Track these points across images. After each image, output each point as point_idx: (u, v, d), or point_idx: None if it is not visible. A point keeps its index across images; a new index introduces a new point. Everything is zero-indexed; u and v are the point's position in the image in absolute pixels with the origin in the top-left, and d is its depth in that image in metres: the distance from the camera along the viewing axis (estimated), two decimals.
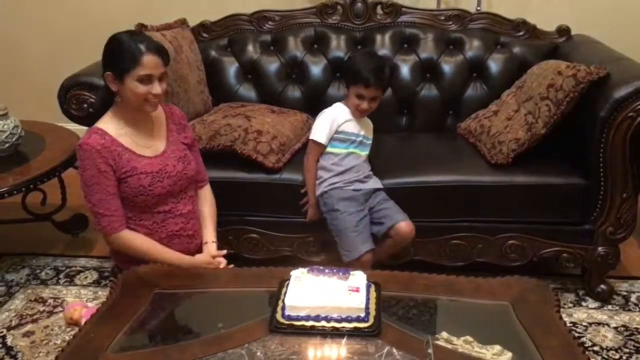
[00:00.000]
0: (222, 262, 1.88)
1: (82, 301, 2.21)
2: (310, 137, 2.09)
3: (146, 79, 1.67)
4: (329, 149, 2.07)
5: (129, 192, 1.75)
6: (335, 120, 2.06)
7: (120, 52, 1.67)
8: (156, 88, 1.69)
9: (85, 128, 2.08)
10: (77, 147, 1.73)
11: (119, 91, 1.72)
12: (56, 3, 3.33)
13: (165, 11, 2.88)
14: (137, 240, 1.78)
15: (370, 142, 2.15)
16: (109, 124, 1.75)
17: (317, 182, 2.09)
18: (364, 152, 2.12)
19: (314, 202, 2.10)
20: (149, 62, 1.66)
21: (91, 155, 1.68)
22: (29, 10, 3.36)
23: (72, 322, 2.07)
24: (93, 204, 1.73)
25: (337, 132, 2.06)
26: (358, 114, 2.07)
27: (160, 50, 1.71)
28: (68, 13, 3.33)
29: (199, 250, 1.91)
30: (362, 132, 2.10)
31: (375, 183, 2.10)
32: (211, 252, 1.89)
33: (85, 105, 2.12)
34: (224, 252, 1.92)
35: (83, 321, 1.95)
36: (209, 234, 1.93)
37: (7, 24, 3.40)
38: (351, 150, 2.08)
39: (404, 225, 2.01)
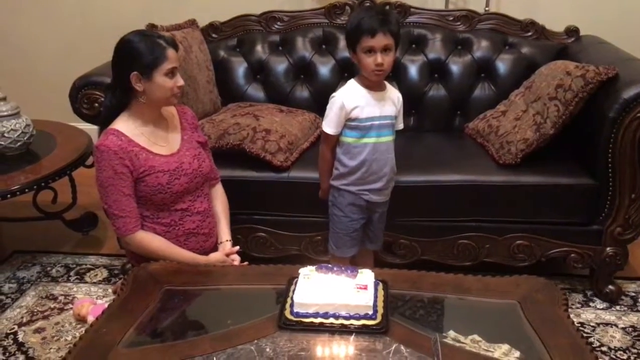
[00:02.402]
0: (236, 259, 1.90)
1: (91, 298, 2.23)
2: (322, 125, 1.89)
3: (171, 73, 1.71)
4: (342, 138, 1.86)
5: (147, 191, 1.76)
6: (344, 107, 1.79)
7: (142, 50, 1.68)
8: (180, 80, 1.75)
9: (96, 127, 2.12)
10: (94, 148, 1.75)
11: (144, 90, 1.71)
12: (67, 3, 3.36)
13: (175, 12, 2.90)
14: (153, 241, 1.78)
15: (393, 120, 1.86)
16: (124, 125, 1.76)
17: (334, 170, 1.93)
18: (386, 138, 1.86)
19: (325, 187, 2.00)
20: (172, 55, 1.71)
21: (108, 157, 1.69)
22: (40, 10, 3.40)
23: (80, 318, 2.10)
24: (108, 205, 1.74)
25: (349, 119, 1.82)
26: (376, 76, 1.77)
27: (176, 44, 1.76)
28: (79, 13, 3.36)
29: (215, 248, 1.93)
30: (379, 113, 1.82)
31: (387, 195, 1.97)
32: (225, 250, 1.91)
33: (97, 105, 2.15)
34: (237, 248, 1.93)
35: (89, 318, 1.99)
36: (224, 233, 1.95)
37: (18, 24, 3.43)
38: (368, 140, 1.83)
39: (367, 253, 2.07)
